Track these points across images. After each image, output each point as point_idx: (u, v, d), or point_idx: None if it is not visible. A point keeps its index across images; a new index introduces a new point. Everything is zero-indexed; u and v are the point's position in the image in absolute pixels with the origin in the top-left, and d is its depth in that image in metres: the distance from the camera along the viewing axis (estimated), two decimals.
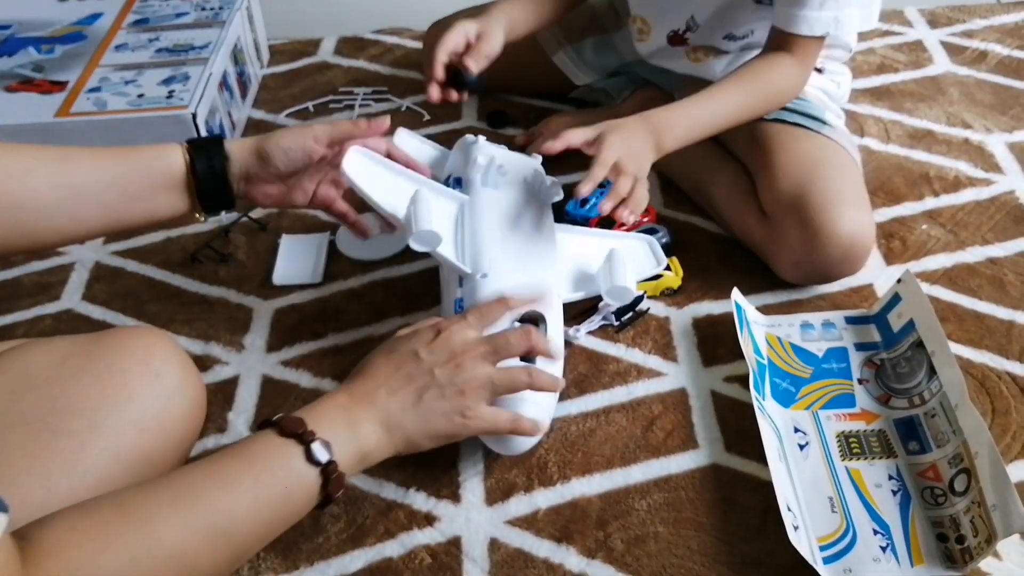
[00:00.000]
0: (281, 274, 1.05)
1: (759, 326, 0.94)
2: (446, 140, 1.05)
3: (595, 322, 0.96)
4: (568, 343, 0.93)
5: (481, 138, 0.99)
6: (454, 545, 0.77)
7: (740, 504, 0.79)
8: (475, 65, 0.98)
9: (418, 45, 1.45)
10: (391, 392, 0.71)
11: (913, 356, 0.88)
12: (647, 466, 0.83)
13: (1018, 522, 0.68)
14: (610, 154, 0.88)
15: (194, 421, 0.76)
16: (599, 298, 0.91)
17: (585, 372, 0.92)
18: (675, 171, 1.13)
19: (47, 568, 0.51)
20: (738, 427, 0.85)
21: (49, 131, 1.15)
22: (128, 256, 1.11)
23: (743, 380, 0.88)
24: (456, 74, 0.98)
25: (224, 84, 1.26)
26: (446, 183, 0.95)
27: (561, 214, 1.00)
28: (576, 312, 0.96)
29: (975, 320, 0.95)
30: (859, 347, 0.92)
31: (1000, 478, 0.71)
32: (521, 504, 0.80)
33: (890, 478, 0.80)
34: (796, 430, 0.85)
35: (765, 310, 0.97)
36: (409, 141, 1.04)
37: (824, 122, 1.02)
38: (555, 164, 0.98)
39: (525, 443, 0.79)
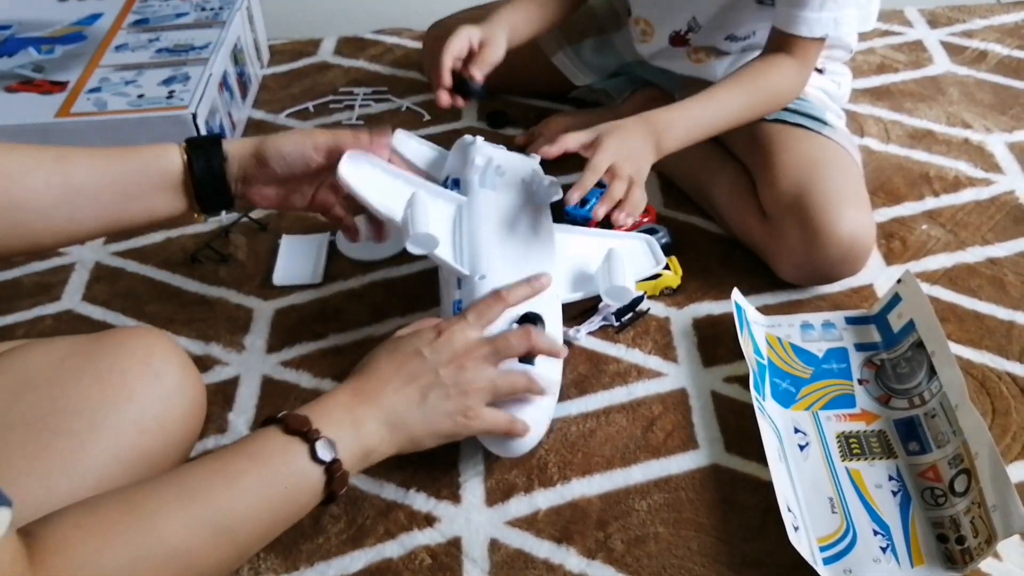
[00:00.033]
0: (281, 274, 1.05)
1: (759, 326, 0.94)
2: (446, 140, 1.05)
3: (595, 322, 0.96)
4: (568, 343, 0.93)
5: (479, 139, 0.99)
6: (454, 546, 0.77)
7: (740, 504, 0.79)
8: (480, 74, 0.98)
9: (418, 45, 1.45)
10: (395, 390, 0.71)
11: (913, 356, 0.88)
12: (647, 466, 0.83)
13: (1018, 523, 0.68)
14: (603, 158, 0.87)
15: (194, 421, 0.77)
16: (599, 298, 0.91)
17: (585, 372, 0.92)
18: (675, 171, 1.13)
19: (52, 565, 0.51)
20: (738, 427, 0.85)
21: (49, 131, 1.15)
22: (128, 256, 1.11)
23: (743, 380, 0.88)
24: (461, 81, 0.98)
25: (224, 84, 1.26)
26: (444, 184, 0.95)
27: (561, 214, 1.00)
28: (576, 312, 0.96)
29: (975, 320, 0.95)
30: (859, 347, 0.92)
31: (1000, 478, 0.71)
32: (521, 505, 0.80)
33: (890, 479, 0.80)
34: (796, 430, 0.85)
35: (765, 310, 0.97)
36: (407, 142, 1.04)
37: (825, 122, 1.02)
38: (554, 164, 0.98)
39: (524, 445, 0.79)
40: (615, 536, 0.77)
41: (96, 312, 1.03)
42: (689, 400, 0.89)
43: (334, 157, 0.83)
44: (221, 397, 0.91)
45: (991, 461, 0.73)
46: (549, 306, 0.85)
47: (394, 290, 1.03)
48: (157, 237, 1.13)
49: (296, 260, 1.07)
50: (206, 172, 0.79)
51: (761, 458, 0.79)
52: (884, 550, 0.75)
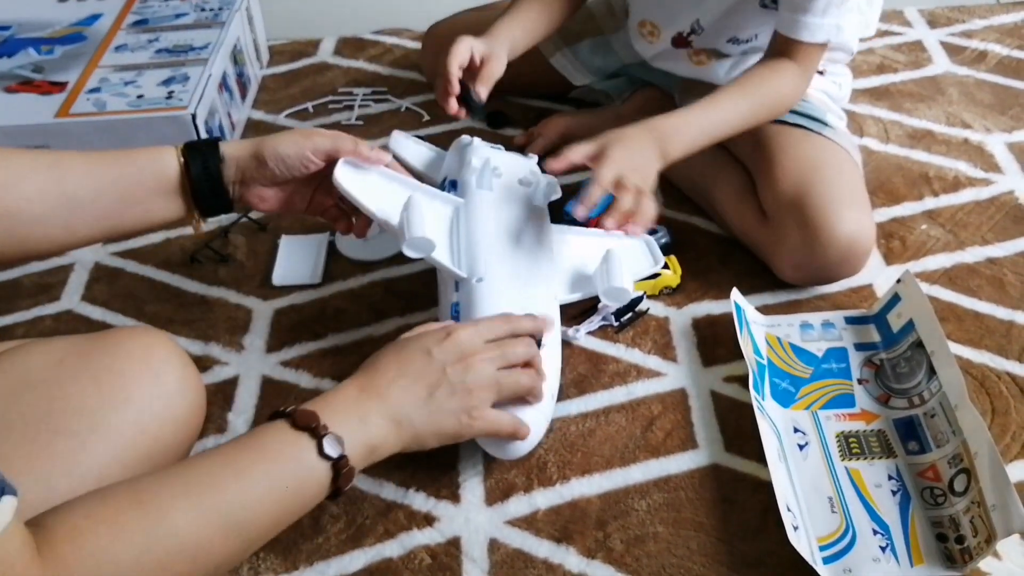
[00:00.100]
0: (281, 275, 1.05)
1: (759, 326, 0.94)
2: (445, 141, 1.05)
3: (594, 322, 0.96)
4: (568, 343, 0.93)
5: (476, 140, 0.99)
6: (454, 545, 0.77)
7: (740, 504, 0.79)
8: (485, 91, 0.98)
9: (417, 46, 1.45)
10: (402, 388, 0.71)
11: (913, 356, 0.88)
12: (647, 466, 0.83)
13: (1018, 522, 0.68)
14: (609, 171, 0.87)
15: (194, 421, 0.77)
16: (598, 298, 0.91)
17: (585, 372, 0.92)
18: (675, 172, 1.12)
19: (64, 553, 0.51)
20: (738, 427, 0.85)
21: (49, 132, 1.15)
22: (128, 257, 1.11)
23: (743, 380, 0.88)
24: (463, 90, 0.98)
25: (224, 85, 1.26)
26: (442, 186, 0.95)
27: (559, 214, 1.00)
28: (576, 312, 0.96)
29: (975, 320, 0.95)
30: (859, 347, 0.92)
31: (1000, 478, 0.71)
32: (521, 504, 0.80)
33: (890, 478, 0.80)
34: (796, 430, 0.85)
35: (765, 310, 0.97)
36: (405, 143, 1.04)
37: (825, 123, 1.02)
38: None
39: (522, 448, 0.79)
40: (614, 536, 0.77)
41: (96, 312, 1.03)
42: (688, 400, 0.89)
43: (332, 161, 0.83)
44: (221, 397, 0.91)
45: (991, 461, 0.73)
46: (548, 307, 0.85)
47: (394, 290, 1.03)
48: (156, 237, 1.13)
49: (295, 260, 1.07)
50: (203, 174, 0.78)
51: (761, 458, 0.79)
52: (884, 549, 0.75)
